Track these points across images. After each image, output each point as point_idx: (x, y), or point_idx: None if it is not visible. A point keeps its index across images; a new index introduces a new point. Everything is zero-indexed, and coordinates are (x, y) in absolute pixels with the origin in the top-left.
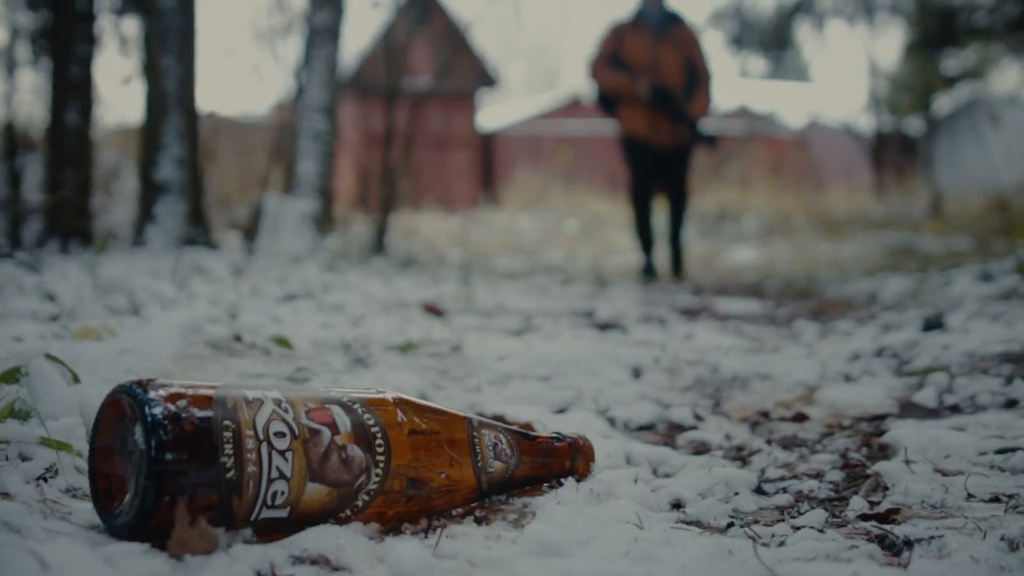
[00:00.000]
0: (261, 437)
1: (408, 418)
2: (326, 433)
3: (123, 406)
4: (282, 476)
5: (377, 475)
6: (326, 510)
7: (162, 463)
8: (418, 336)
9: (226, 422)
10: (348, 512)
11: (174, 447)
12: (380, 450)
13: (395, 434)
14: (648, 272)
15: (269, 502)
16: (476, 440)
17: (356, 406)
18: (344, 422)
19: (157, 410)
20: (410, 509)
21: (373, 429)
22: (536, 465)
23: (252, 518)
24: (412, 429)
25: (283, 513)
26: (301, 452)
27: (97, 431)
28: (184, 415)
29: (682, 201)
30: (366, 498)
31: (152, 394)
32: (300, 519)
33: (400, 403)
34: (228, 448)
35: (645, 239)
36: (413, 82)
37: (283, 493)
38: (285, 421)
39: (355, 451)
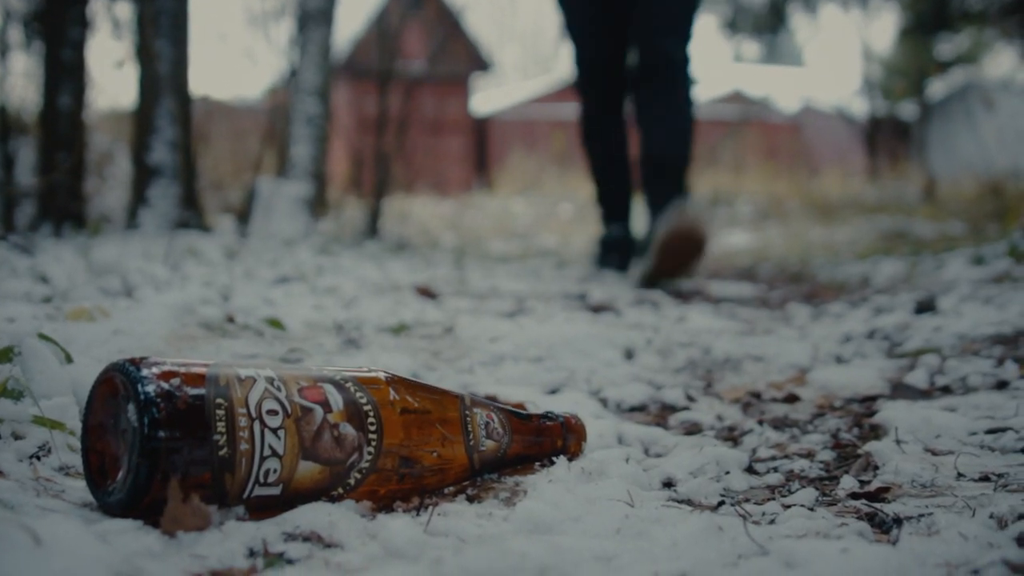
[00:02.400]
0: (254, 415)
1: (401, 396)
2: (318, 411)
3: (116, 384)
4: (275, 454)
5: (369, 453)
6: (318, 488)
7: (155, 440)
8: (411, 318)
9: (219, 400)
10: (340, 490)
11: (167, 425)
12: (372, 428)
13: (387, 412)
14: (608, 257)
15: (262, 480)
16: (468, 419)
17: (349, 384)
18: (336, 400)
19: (150, 388)
20: (402, 487)
21: (365, 407)
22: (528, 444)
23: (245, 495)
24: (404, 408)
25: (276, 491)
26: (294, 430)
27: (90, 409)
28: (177, 393)
29: (679, 68)
30: (358, 476)
31: (145, 372)
32: (292, 497)
33: (393, 382)
34: (221, 426)
35: (607, 190)
36: (407, 66)
37: (276, 471)
38: (278, 399)
39: (347, 429)
